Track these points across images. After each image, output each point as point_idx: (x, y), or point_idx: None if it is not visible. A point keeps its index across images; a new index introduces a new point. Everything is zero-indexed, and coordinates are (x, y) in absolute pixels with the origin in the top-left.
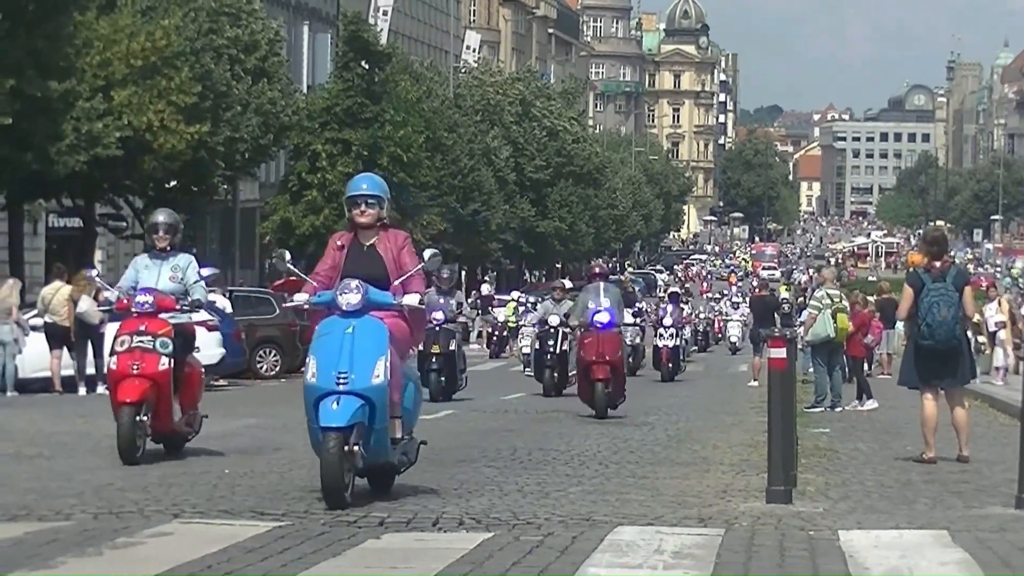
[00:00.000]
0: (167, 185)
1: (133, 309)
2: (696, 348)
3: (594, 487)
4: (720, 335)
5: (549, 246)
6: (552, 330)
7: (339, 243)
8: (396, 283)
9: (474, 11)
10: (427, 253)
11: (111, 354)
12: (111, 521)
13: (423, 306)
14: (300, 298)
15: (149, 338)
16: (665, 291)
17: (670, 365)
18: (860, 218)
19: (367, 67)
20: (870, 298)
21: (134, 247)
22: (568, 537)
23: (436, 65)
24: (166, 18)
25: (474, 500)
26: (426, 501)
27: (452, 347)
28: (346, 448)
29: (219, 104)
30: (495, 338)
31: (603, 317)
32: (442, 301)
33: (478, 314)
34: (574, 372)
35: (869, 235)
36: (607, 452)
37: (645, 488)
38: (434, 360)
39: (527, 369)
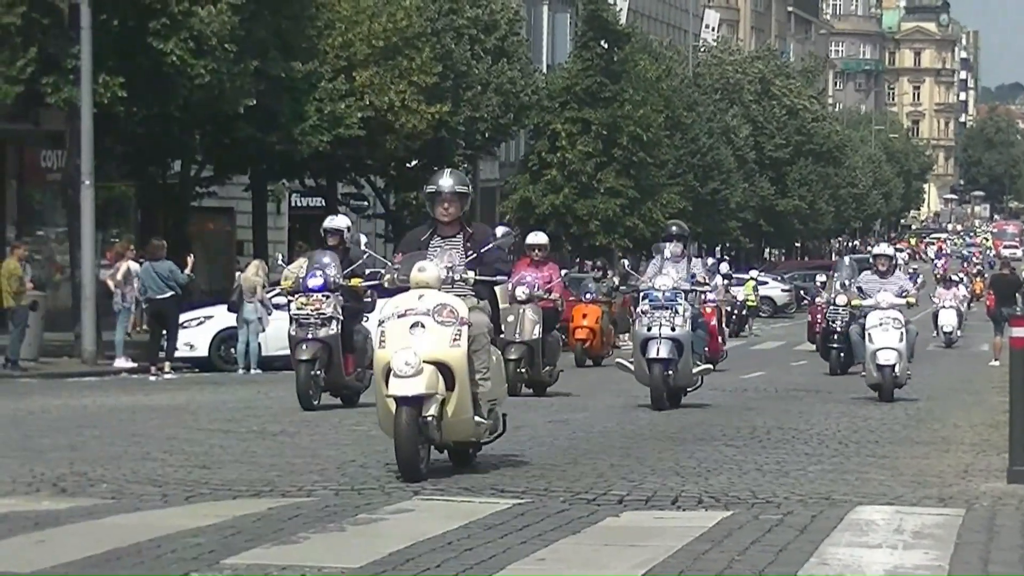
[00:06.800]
0: (408, 164)
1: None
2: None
3: (833, 466)
4: None
5: (788, 224)
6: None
7: None
8: None
9: None
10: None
11: None
12: (352, 497)
13: None
14: None
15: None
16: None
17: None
18: None
19: (606, 46)
20: None
21: (375, 226)
22: (807, 516)
23: (675, 44)
24: None
25: (713, 479)
26: (665, 479)
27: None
28: None
29: (459, 84)
30: (734, 317)
31: None
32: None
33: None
34: None
35: None
36: (846, 431)
37: (885, 468)
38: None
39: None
